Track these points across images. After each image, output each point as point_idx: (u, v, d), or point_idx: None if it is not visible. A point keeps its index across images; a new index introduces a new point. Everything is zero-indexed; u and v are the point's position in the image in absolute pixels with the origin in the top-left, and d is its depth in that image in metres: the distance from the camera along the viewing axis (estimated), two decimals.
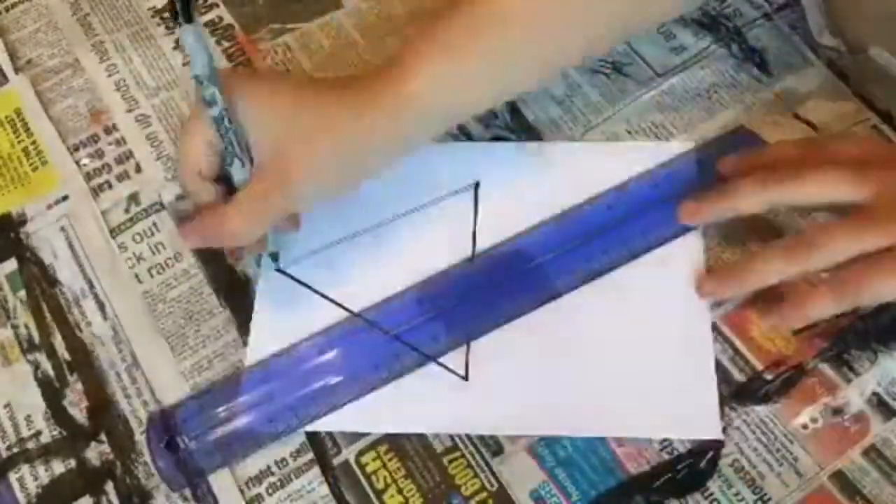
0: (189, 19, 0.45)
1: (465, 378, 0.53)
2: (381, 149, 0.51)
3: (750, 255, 0.52)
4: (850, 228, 0.47)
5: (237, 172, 0.50)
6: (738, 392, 0.51)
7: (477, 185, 0.58)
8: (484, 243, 0.57)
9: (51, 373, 0.56)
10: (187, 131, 0.50)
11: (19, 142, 0.64)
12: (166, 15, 0.68)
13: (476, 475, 0.51)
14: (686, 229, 0.55)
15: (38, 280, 0.59)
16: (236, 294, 0.57)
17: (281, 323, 0.56)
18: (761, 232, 0.54)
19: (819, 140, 0.53)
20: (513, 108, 0.61)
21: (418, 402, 0.53)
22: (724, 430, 0.50)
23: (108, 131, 0.64)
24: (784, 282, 0.49)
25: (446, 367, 0.53)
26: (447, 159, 0.59)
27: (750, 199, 0.51)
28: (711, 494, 0.49)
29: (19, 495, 0.52)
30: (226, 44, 0.67)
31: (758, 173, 0.51)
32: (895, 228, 0.46)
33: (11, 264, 0.60)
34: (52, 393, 0.55)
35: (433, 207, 0.58)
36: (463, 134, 0.61)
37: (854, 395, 0.50)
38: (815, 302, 0.48)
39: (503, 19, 0.51)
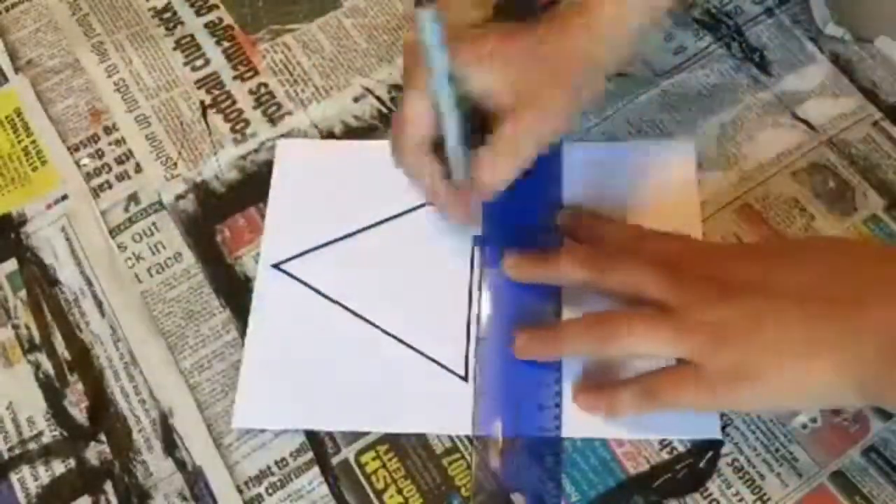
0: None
1: (465, 378, 0.53)
2: (606, 42, 0.52)
3: (561, 325, 0.53)
4: (647, 328, 0.47)
5: (456, 158, 0.51)
6: None
7: None
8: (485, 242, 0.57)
9: (51, 373, 0.56)
10: (409, 102, 0.51)
11: (19, 142, 0.64)
12: (166, 15, 0.68)
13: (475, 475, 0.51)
14: None
15: (39, 280, 0.59)
16: (236, 294, 0.57)
17: (278, 321, 0.56)
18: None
19: (645, 234, 0.52)
20: None
21: (418, 402, 0.53)
22: (724, 429, 0.50)
23: (108, 131, 0.64)
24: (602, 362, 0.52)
25: (446, 368, 0.53)
26: None
27: (565, 275, 0.51)
28: (711, 494, 0.49)
29: (20, 495, 0.52)
30: (225, 44, 0.67)
31: (579, 251, 0.52)
32: (689, 339, 0.46)
33: (11, 264, 0.59)
34: (52, 393, 0.55)
35: None
36: None
37: None
38: (621, 401, 0.49)
39: None
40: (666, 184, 0.57)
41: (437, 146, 0.51)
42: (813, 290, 0.45)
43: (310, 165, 0.61)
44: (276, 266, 0.57)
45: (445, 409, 0.52)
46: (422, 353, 0.54)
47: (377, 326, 0.55)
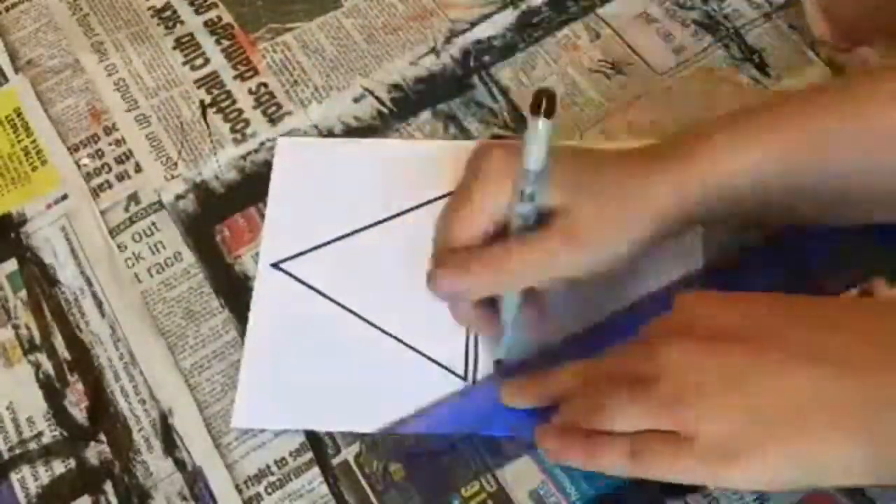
0: (549, 115, 0.42)
1: (465, 378, 0.53)
2: (662, 217, 0.48)
3: (546, 378, 0.50)
4: (640, 405, 0.44)
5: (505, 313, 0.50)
6: None
7: None
8: None
9: (51, 373, 0.56)
10: (461, 218, 0.48)
11: (19, 142, 0.64)
12: (165, 15, 0.68)
13: (475, 475, 0.51)
14: None
15: (39, 280, 0.59)
16: (236, 294, 0.57)
17: (278, 320, 0.56)
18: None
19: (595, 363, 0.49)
20: (512, 106, 0.62)
21: (418, 402, 0.53)
22: None
23: (107, 131, 0.64)
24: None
25: (445, 367, 0.53)
26: (449, 156, 0.59)
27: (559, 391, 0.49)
28: (711, 493, 0.49)
29: (20, 495, 0.53)
30: (225, 43, 0.67)
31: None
32: (679, 411, 0.42)
33: (12, 264, 0.60)
34: (52, 393, 0.55)
35: (435, 204, 0.58)
36: (461, 132, 0.61)
37: None
38: (607, 458, 0.45)
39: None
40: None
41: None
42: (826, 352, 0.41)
43: (309, 164, 0.61)
44: (275, 265, 0.57)
45: (445, 410, 0.52)
46: (421, 353, 0.54)
47: (376, 326, 0.55)
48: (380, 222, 0.58)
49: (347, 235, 0.58)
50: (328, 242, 0.58)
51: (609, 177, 0.48)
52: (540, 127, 0.42)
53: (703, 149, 0.48)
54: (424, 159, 0.57)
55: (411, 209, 0.58)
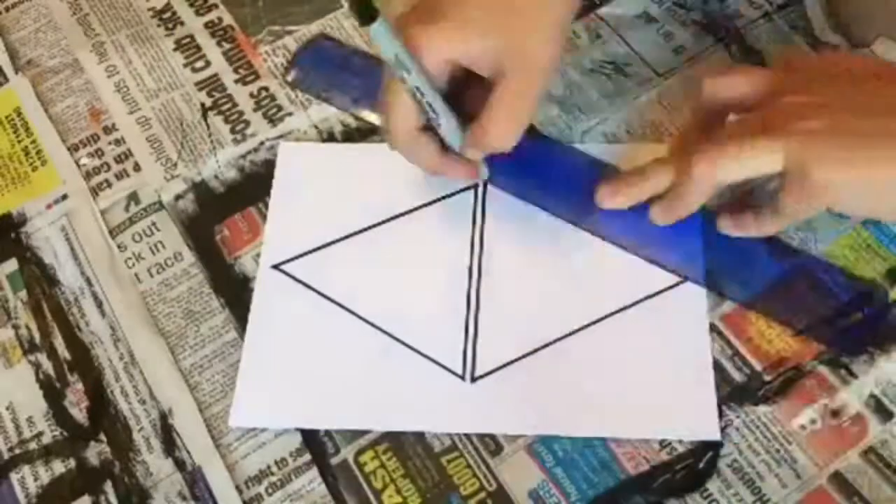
0: (371, 19, 0.45)
1: (463, 377, 0.53)
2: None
3: (645, 170, 0.52)
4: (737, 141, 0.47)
5: (449, 131, 0.51)
6: (737, 392, 0.51)
7: (485, 185, 0.59)
8: (490, 244, 0.57)
9: (51, 373, 0.56)
10: (388, 89, 0.50)
11: (19, 142, 0.64)
12: (166, 15, 0.68)
13: (475, 475, 0.51)
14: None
15: (39, 280, 0.59)
16: (236, 294, 0.57)
17: (278, 320, 0.56)
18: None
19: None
20: None
21: (416, 401, 0.53)
22: (723, 430, 0.51)
23: (107, 131, 0.64)
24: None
25: (444, 367, 0.53)
26: None
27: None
28: (710, 495, 0.49)
29: (20, 495, 0.53)
30: (226, 45, 0.67)
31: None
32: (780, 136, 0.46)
33: (12, 264, 0.60)
34: (52, 393, 0.55)
35: (434, 207, 0.58)
36: None
37: (852, 398, 0.51)
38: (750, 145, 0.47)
39: None
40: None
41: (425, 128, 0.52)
42: None
43: (310, 168, 0.61)
44: (276, 267, 0.57)
45: (444, 408, 0.52)
46: (420, 353, 0.54)
47: (376, 326, 0.55)
48: (378, 224, 0.58)
49: (347, 237, 0.58)
50: (328, 244, 0.58)
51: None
52: (374, 30, 0.45)
53: None
54: None
55: (409, 212, 0.58)
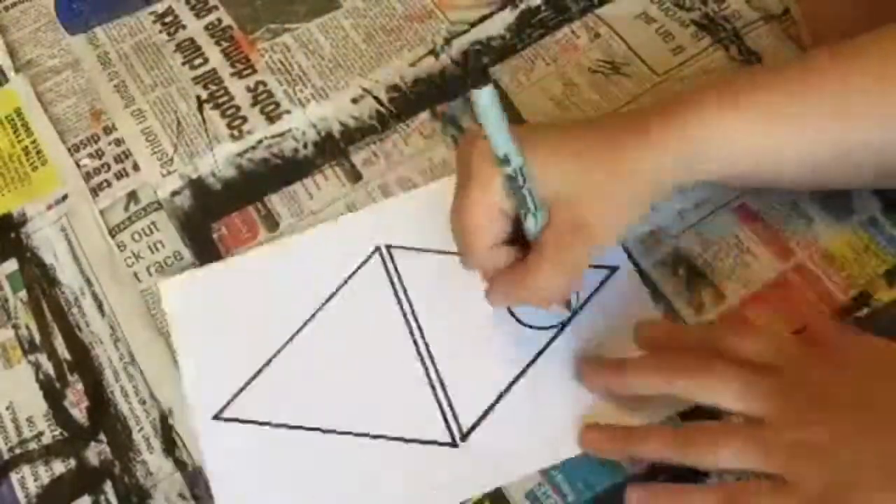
0: (483, 81, 0.43)
1: (454, 442, 0.51)
2: (665, 182, 0.50)
3: (638, 430, 0.49)
4: (742, 446, 0.45)
5: (533, 226, 0.48)
6: None
7: (380, 249, 0.57)
8: (417, 299, 0.55)
9: (51, 373, 0.56)
10: (465, 208, 0.48)
11: (19, 142, 0.64)
12: (168, 20, 0.68)
13: None
14: None
15: (39, 280, 0.59)
16: None
17: (241, 471, 0.52)
18: None
19: (722, 333, 0.49)
20: (512, 107, 0.62)
21: (418, 488, 0.50)
22: None
23: (107, 131, 0.64)
24: None
25: (432, 442, 0.51)
26: (336, 237, 0.58)
27: (640, 384, 0.49)
28: None
29: (20, 495, 0.53)
30: (224, 44, 0.67)
31: (654, 359, 0.50)
32: (786, 459, 0.43)
33: (12, 265, 0.60)
34: (52, 393, 0.55)
35: (345, 289, 0.56)
36: (460, 132, 0.61)
37: None
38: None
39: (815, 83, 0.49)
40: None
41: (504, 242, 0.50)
42: None
43: (201, 298, 0.57)
44: (217, 417, 0.53)
45: (447, 478, 0.50)
46: (402, 439, 0.51)
47: (347, 432, 0.52)
48: (300, 330, 0.55)
49: (275, 356, 0.54)
50: (259, 371, 0.54)
51: (598, 155, 0.49)
52: (483, 94, 0.42)
53: (694, 113, 0.48)
54: (312, 250, 0.56)
55: (323, 304, 0.56)
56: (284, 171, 0.62)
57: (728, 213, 0.56)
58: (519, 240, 0.50)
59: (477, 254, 0.49)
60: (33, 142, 0.64)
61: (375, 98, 0.63)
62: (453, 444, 0.51)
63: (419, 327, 0.54)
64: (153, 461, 0.53)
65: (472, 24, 0.65)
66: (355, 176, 0.61)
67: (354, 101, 0.64)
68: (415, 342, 0.54)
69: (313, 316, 0.55)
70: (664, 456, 0.47)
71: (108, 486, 0.52)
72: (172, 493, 0.52)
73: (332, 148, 0.62)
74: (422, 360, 0.53)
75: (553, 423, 0.51)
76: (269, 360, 0.54)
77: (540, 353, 0.53)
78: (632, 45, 0.63)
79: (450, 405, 0.52)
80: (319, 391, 0.53)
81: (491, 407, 0.52)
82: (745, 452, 0.44)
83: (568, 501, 0.50)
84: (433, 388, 0.52)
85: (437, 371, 0.53)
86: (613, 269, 0.55)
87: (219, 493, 0.51)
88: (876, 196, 0.56)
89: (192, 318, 0.56)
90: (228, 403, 0.53)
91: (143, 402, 0.54)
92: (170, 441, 0.53)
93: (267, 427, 0.52)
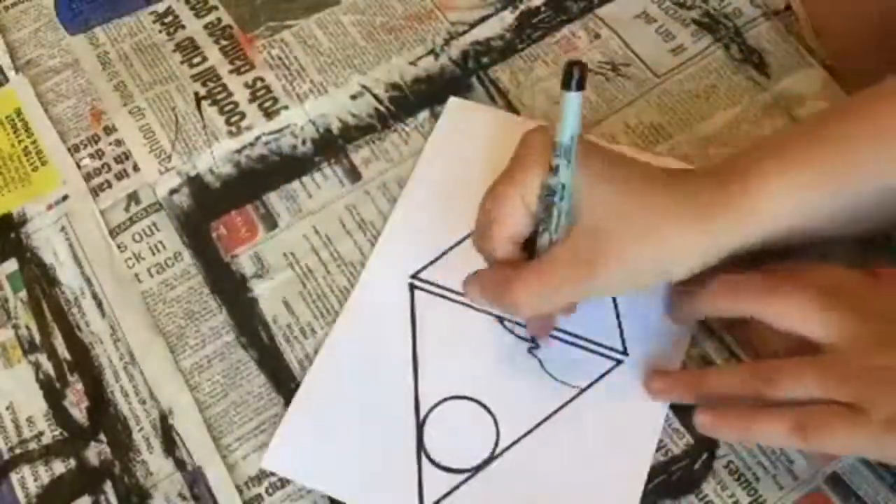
0: (580, 87, 0.43)
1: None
2: (702, 253, 0.47)
3: (708, 369, 0.51)
4: (815, 375, 0.45)
5: (544, 244, 0.48)
6: None
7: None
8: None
9: (51, 373, 0.56)
10: (505, 196, 0.48)
11: (19, 142, 0.64)
12: (168, 20, 0.68)
13: None
14: None
15: (39, 280, 0.59)
16: (233, 294, 0.57)
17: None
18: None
19: (792, 267, 0.49)
20: (511, 107, 0.62)
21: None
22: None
23: (107, 131, 0.64)
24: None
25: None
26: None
27: (708, 307, 0.49)
28: (706, 496, 0.49)
29: (20, 495, 0.53)
30: (224, 42, 0.67)
31: (723, 284, 0.48)
32: (858, 385, 0.44)
33: (12, 264, 0.60)
34: (52, 393, 0.55)
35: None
36: None
37: None
38: (763, 429, 0.46)
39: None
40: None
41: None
42: None
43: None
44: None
45: None
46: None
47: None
48: None
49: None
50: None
51: (652, 203, 0.47)
52: (570, 98, 0.43)
53: (757, 188, 0.46)
54: None
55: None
56: (283, 168, 0.62)
57: None
58: (530, 246, 0.49)
59: (495, 240, 0.48)
60: (33, 142, 0.64)
61: (374, 96, 0.63)
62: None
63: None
64: (153, 461, 0.53)
65: (472, 25, 0.65)
66: (355, 175, 0.61)
67: (353, 97, 0.64)
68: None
69: None
70: (735, 390, 0.47)
71: (108, 486, 0.53)
72: (172, 493, 0.52)
73: (332, 145, 0.62)
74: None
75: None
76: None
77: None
78: (632, 45, 0.63)
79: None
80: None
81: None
82: (819, 381, 0.45)
83: None
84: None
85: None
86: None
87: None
88: None
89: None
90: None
91: (143, 402, 0.55)
92: (170, 441, 0.53)
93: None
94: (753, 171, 0.46)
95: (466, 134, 0.60)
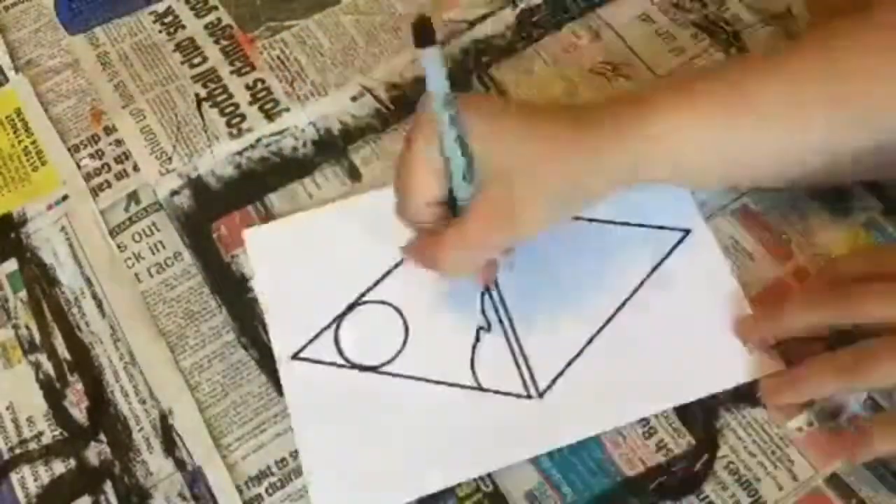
0: (431, 41, 0.43)
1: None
2: (609, 182, 0.49)
3: (803, 367, 0.50)
4: None
5: (463, 192, 0.48)
6: (733, 394, 0.51)
7: None
8: None
9: (51, 373, 0.56)
10: (410, 163, 0.48)
11: (19, 142, 0.64)
12: (167, 20, 0.68)
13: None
14: None
15: (39, 280, 0.59)
16: (234, 293, 0.57)
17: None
18: None
19: (885, 252, 0.51)
20: None
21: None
22: (720, 431, 0.51)
23: (107, 131, 0.64)
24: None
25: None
26: None
27: (801, 320, 0.50)
28: (706, 497, 0.49)
29: (20, 495, 0.53)
30: (224, 42, 0.67)
31: (810, 294, 0.51)
32: None
33: (12, 264, 0.60)
34: (52, 393, 0.55)
35: None
36: None
37: (850, 399, 0.51)
38: (822, 381, 0.49)
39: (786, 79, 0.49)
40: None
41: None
42: None
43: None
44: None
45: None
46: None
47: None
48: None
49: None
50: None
51: (554, 135, 0.48)
52: (426, 54, 0.43)
53: (654, 115, 0.48)
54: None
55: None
56: (284, 169, 0.62)
57: (728, 213, 0.56)
58: (452, 204, 0.50)
59: (411, 207, 0.50)
60: (33, 142, 0.64)
61: (375, 96, 0.63)
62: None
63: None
64: (153, 461, 0.53)
65: (472, 24, 0.65)
66: (355, 175, 0.61)
67: (354, 98, 0.64)
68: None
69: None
70: (831, 387, 0.49)
71: (108, 486, 0.52)
72: (172, 493, 0.52)
73: (332, 146, 0.62)
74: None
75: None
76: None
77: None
78: (632, 45, 0.63)
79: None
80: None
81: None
82: None
83: (567, 501, 0.50)
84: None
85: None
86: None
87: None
88: (876, 198, 0.56)
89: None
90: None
91: (143, 402, 0.55)
92: (170, 441, 0.53)
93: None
94: (648, 97, 0.49)
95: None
